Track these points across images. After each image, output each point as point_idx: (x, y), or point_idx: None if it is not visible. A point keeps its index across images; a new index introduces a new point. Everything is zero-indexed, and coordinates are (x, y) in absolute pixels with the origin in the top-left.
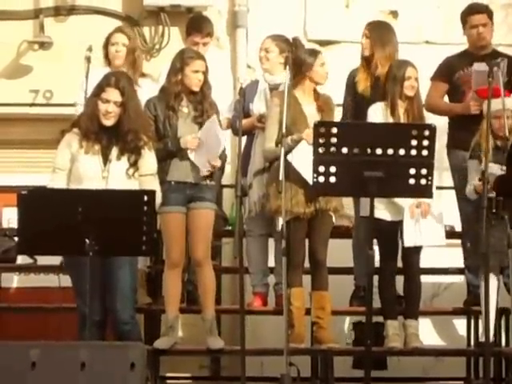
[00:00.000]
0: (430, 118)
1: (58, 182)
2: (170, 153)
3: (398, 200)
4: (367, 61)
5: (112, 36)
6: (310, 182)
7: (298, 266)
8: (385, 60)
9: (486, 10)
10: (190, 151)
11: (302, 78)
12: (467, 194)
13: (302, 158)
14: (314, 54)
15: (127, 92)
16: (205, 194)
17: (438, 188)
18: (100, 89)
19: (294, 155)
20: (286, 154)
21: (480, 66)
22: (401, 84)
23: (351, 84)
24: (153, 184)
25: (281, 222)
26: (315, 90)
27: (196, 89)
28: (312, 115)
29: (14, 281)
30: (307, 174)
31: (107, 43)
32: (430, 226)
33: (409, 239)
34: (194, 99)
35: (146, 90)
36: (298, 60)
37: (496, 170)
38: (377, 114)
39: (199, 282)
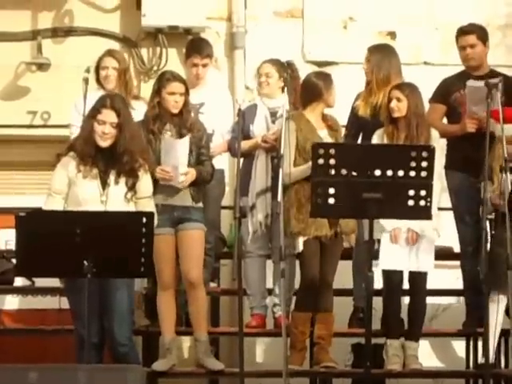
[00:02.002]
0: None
1: (53, 205)
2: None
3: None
4: (367, 86)
5: (102, 60)
6: None
7: (311, 290)
8: (381, 85)
9: (476, 31)
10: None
11: (315, 102)
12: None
13: None
14: (328, 77)
15: (123, 113)
16: (192, 215)
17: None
18: (96, 110)
19: None
20: (306, 178)
21: (474, 83)
22: (387, 108)
23: (353, 108)
24: (149, 206)
25: (300, 243)
26: (323, 113)
27: (174, 111)
28: (326, 138)
29: (12, 303)
30: None
31: (98, 67)
32: (418, 252)
33: (385, 262)
34: (177, 122)
35: (140, 113)
36: (310, 84)
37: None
38: (377, 140)
39: (191, 303)
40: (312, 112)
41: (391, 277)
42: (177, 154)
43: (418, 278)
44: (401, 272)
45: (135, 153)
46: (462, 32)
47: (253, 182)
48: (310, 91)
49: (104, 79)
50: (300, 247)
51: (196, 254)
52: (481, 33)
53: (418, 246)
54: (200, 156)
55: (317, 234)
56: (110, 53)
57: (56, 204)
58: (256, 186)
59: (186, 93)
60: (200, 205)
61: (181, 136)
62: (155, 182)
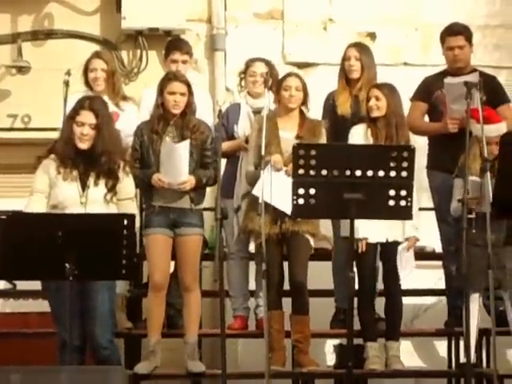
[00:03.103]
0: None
1: (35, 204)
2: (145, 183)
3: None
4: (349, 81)
5: (90, 62)
6: (278, 206)
7: (275, 288)
8: (368, 83)
9: (465, 32)
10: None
11: (279, 102)
12: (452, 212)
13: (271, 184)
14: (284, 77)
15: (101, 115)
16: (190, 219)
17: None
18: (74, 112)
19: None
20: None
21: (452, 80)
22: (366, 106)
23: (330, 106)
24: (131, 208)
25: (252, 243)
26: (303, 115)
27: (175, 111)
28: (287, 140)
29: None
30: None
31: (86, 69)
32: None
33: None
34: (180, 123)
35: (129, 114)
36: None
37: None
38: (358, 136)
39: (186, 306)
40: (284, 112)
41: (365, 279)
42: (176, 158)
43: (391, 277)
44: (374, 273)
45: (114, 154)
46: (452, 32)
47: (238, 184)
48: (276, 89)
49: (93, 81)
50: (252, 247)
51: (192, 260)
52: (468, 34)
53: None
54: (204, 158)
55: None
56: (97, 55)
57: (38, 203)
58: (241, 188)
59: (190, 94)
60: (199, 207)
61: (182, 137)
62: (144, 186)
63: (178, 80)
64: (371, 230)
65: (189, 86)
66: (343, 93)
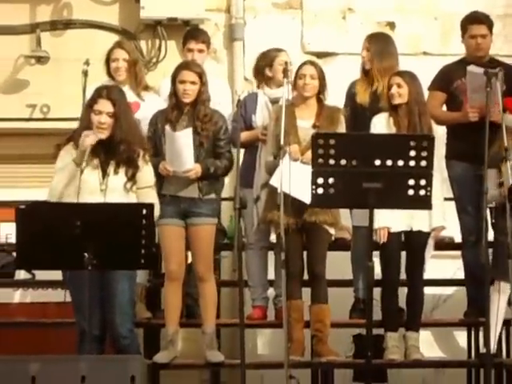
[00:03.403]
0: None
1: (60, 176)
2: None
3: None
4: (367, 74)
5: (111, 52)
6: (296, 196)
7: (295, 278)
8: (383, 72)
9: (487, 21)
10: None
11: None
12: (489, 199)
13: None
14: (299, 66)
15: (118, 103)
16: (201, 208)
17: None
18: (92, 101)
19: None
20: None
21: (475, 68)
22: (387, 94)
23: (351, 95)
24: (151, 196)
25: (273, 233)
26: (321, 103)
27: (185, 100)
28: (305, 129)
29: (13, 296)
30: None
31: (108, 59)
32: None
33: None
34: (191, 112)
35: (150, 103)
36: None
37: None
38: (381, 125)
39: (201, 296)
40: (301, 101)
41: (389, 268)
42: (179, 146)
43: (414, 268)
44: (398, 263)
45: (133, 143)
46: (475, 21)
47: (257, 173)
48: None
49: (114, 71)
50: (273, 237)
51: (204, 249)
52: (490, 23)
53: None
54: (216, 149)
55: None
56: (119, 44)
57: (64, 174)
58: (260, 178)
59: (202, 83)
60: (211, 196)
61: (194, 127)
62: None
63: (189, 69)
64: (393, 219)
65: (200, 75)
66: (363, 82)
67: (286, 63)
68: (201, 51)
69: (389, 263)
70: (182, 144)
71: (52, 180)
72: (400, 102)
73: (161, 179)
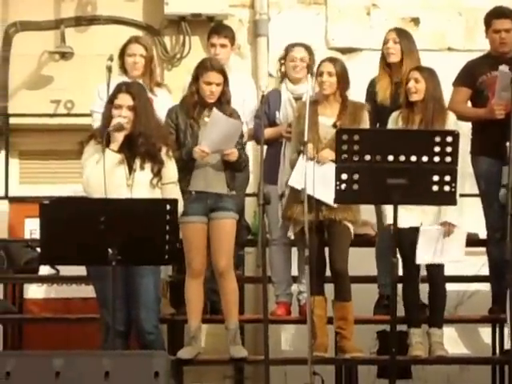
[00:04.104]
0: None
1: (89, 167)
2: (184, 162)
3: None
4: (390, 67)
5: (128, 47)
6: (313, 194)
7: (317, 275)
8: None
9: (511, 15)
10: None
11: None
12: (500, 199)
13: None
14: (319, 63)
15: (138, 96)
16: (226, 203)
17: (461, 195)
18: (113, 96)
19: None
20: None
21: (506, 68)
22: (404, 89)
23: (370, 93)
24: (174, 193)
25: (291, 230)
26: (344, 99)
27: (210, 101)
28: (325, 126)
29: (37, 292)
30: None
31: (123, 53)
32: (451, 244)
33: (421, 257)
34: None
35: (162, 100)
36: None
37: None
38: (391, 120)
39: (222, 291)
40: (324, 98)
41: (409, 265)
42: (226, 130)
43: (435, 264)
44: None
45: (153, 137)
46: (499, 15)
47: (281, 170)
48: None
49: (131, 66)
50: (290, 233)
51: (226, 244)
52: None
53: (451, 238)
54: (235, 146)
55: (298, 219)
56: (136, 40)
57: (92, 164)
58: (285, 175)
59: (225, 83)
60: (234, 193)
61: None
62: (190, 169)
63: (215, 70)
64: (405, 216)
65: (224, 74)
66: (383, 79)
67: (309, 59)
68: (223, 46)
69: (407, 259)
70: (233, 130)
71: (82, 175)
72: (416, 99)
73: (187, 176)
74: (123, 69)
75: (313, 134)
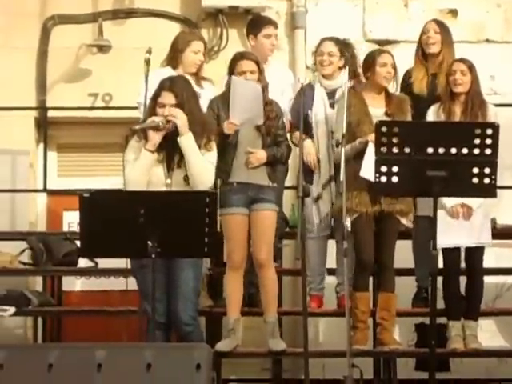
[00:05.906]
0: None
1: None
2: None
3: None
4: (426, 58)
5: (192, 43)
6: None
7: (366, 269)
8: (447, 61)
9: None
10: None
11: (367, 79)
12: None
13: (369, 160)
14: (376, 54)
15: (181, 94)
16: (266, 195)
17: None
18: (156, 94)
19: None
20: (354, 156)
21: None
22: (447, 80)
23: (406, 84)
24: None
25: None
26: (387, 92)
27: None
28: (378, 117)
29: (76, 284)
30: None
31: (183, 47)
32: (475, 226)
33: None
34: None
35: (208, 93)
36: (365, 58)
37: None
38: (431, 112)
39: (261, 283)
40: (369, 90)
41: (449, 257)
42: (248, 95)
43: (474, 256)
44: (458, 251)
45: (196, 134)
46: None
47: (317, 174)
48: (363, 68)
49: (191, 63)
50: (348, 225)
51: (267, 235)
52: None
53: (473, 221)
54: (276, 137)
55: (357, 209)
56: (199, 37)
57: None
58: (322, 177)
59: (259, 72)
60: (275, 184)
61: None
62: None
63: (247, 58)
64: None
65: (258, 63)
66: (419, 70)
67: (340, 52)
68: (276, 36)
69: (450, 251)
70: (253, 94)
71: (125, 171)
72: (461, 91)
73: (228, 167)
74: (175, 61)
75: (367, 126)
